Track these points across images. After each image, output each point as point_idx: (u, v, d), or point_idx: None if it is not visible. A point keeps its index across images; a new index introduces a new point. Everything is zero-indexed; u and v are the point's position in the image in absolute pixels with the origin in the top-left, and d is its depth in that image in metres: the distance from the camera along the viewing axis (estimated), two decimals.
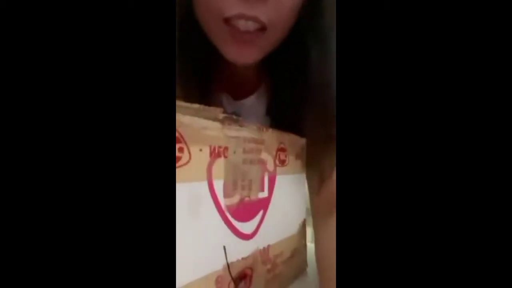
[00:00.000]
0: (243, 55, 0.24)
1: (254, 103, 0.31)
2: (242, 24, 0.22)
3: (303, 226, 0.37)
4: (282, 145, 0.30)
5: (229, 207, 0.23)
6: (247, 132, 0.25)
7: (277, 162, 0.30)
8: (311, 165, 0.31)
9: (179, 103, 0.17)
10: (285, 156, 0.31)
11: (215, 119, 0.21)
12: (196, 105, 0.19)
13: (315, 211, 0.33)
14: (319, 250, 0.29)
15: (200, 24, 0.24)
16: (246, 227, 0.25)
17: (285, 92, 0.29)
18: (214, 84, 0.29)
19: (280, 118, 0.30)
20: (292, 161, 0.33)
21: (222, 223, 0.23)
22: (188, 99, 0.19)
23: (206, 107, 0.20)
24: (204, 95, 0.28)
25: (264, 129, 0.27)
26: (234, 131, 0.23)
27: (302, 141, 0.35)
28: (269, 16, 0.22)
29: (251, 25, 0.22)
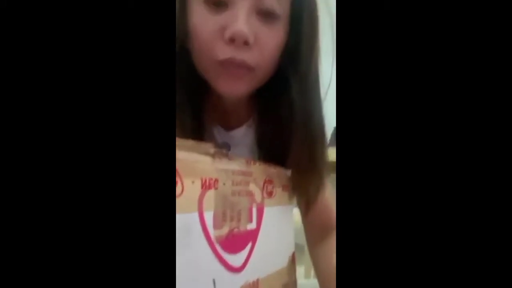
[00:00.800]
0: (233, 89, 0.28)
1: (244, 134, 0.35)
2: (232, 66, 0.26)
3: (293, 260, 0.37)
4: (269, 177, 0.32)
5: (218, 239, 0.24)
6: (235, 165, 0.26)
7: (265, 194, 0.31)
8: (297, 191, 0.33)
9: (176, 141, 0.19)
10: (272, 188, 0.33)
11: (206, 154, 0.23)
12: (190, 141, 0.21)
13: (306, 230, 0.38)
14: (317, 267, 0.33)
15: (194, 62, 0.29)
16: (235, 260, 0.26)
17: (270, 126, 0.33)
18: (206, 116, 0.33)
19: (267, 149, 0.33)
20: (279, 193, 0.34)
21: (212, 255, 0.23)
22: (181, 129, 0.22)
23: (199, 143, 0.22)
24: (197, 126, 0.31)
25: (252, 162, 0.29)
26: (223, 164, 0.25)
27: (288, 173, 0.37)
28: (255, 59, 0.27)
29: (240, 66, 0.26)
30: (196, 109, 0.30)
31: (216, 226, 0.24)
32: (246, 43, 0.25)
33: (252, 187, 0.29)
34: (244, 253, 0.27)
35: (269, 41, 0.26)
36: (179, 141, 0.20)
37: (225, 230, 0.25)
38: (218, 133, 0.34)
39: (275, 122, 0.32)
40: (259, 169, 0.30)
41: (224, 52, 0.25)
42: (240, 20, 0.24)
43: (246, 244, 0.28)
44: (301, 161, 0.31)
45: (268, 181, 0.32)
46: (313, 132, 0.31)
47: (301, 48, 0.28)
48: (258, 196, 0.30)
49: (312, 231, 0.36)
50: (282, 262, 0.34)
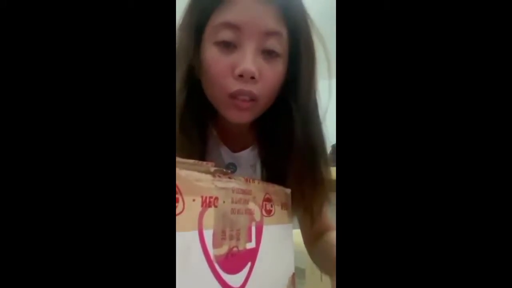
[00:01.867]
0: (241, 117, 0.33)
1: (249, 155, 0.39)
2: (241, 97, 0.31)
3: (293, 281, 0.36)
4: (268, 195, 0.32)
5: (217, 258, 0.24)
6: (235, 183, 0.27)
7: (264, 212, 0.31)
8: (301, 208, 0.37)
9: (177, 159, 0.19)
10: (271, 206, 0.33)
11: (207, 172, 0.23)
12: (191, 160, 0.21)
13: (310, 240, 0.43)
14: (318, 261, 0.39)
15: (205, 93, 0.33)
16: (234, 280, 0.25)
17: (272, 149, 0.37)
18: (214, 139, 0.38)
19: (271, 169, 0.38)
20: (278, 211, 0.34)
21: (211, 275, 0.23)
22: (191, 151, 0.28)
23: (200, 162, 0.22)
24: (205, 149, 0.36)
25: (251, 180, 0.30)
26: (223, 183, 0.25)
27: (287, 191, 0.37)
28: (259, 91, 0.31)
29: (247, 97, 0.31)
30: (203, 133, 0.35)
31: (215, 244, 0.24)
32: (252, 78, 0.30)
33: (252, 205, 0.29)
34: (243, 274, 0.27)
35: (271, 75, 0.31)
36: (180, 160, 0.20)
37: (224, 249, 0.25)
38: (226, 154, 0.38)
39: (277, 145, 0.36)
40: (258, 187, 0.31)
41: (234, 85, 0.30)
42: (248, 59, 0.29)
43: (246, 264, 0.28)
44: (305, 179, 0.35)
45: (267, 199, 0.32)
46: (315, 153, 0.34)
47: (300, 80, 0.33)
48: (257, 214, 0.30)
49: (311, 237, 0.42)
50: (281, 283, 0.34)
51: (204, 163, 0.23)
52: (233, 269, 0.26)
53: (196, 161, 0.22)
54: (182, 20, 0.32)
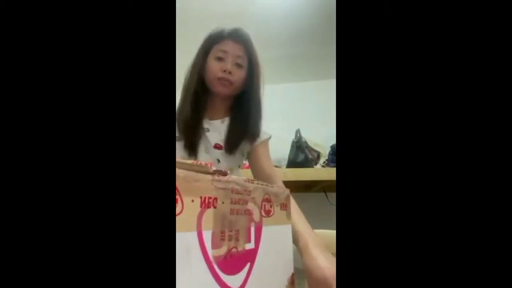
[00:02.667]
0: (224, 91, 0.68)
1: (219, 125, 0.71)
2: (223, 80, 0.67)
3: (292, 281, 0.36)
4: (267, 196, 0.32)
5: (216, 259, 0.23)
6: (234, 183, 0.27)
7: (263, 212, 0.31)
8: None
9: (177, 160, 0.19)
10: (270, 207, 0.33)
11: (206, 173, 0.23)
12: (190, 161, 0.21)
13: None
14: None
15: (205, 81, 0.69)
16: (233, 281, 0.25)
17: (235, 124, 0.70)
18: (203, 112, 0.71)
19: (231, 133, 0.70)
20: (277, 212, 0.34)
21: (210, 276, 0.23)
22: (187, 120, 0.67)
23: (199, 162, 0.22)
24: (197, 118, 0.68)
25: (250, 181, 0.30)
26: (222, 183, 0.25)
27: (287, 192, 0.37)
28: (232, 79, 0.67)
29: (227, 81, 0.67)
30: (200, 104, 0.69)
31: (214, 245, 0.23)
32: (230, 72, 0.67)
33: (251, 206, 0.29)
34: (242, 274, 0.27)
35: (238, 74, 0.68)
36: (180, 161, 0.20)
37: (223, 250, 0.25)
38: (206, 122, 0.70)
39: (238, 122, 0.70)
40: (257, 188, 0.31)
41: (221, 74, 0.67)
42: (228, 64, 0.67)
43: (245, 265, 0.28)
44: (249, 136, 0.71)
45: (266, 200, 0.32)
46: (255, 121, 0.71)
47: (253, 81, 0.69)
48: (256, 215, 0.30)
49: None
50: (281, 283, 0.34)
51: (203, 163, 0.23)
52: (232, 270, 0.25)
53: (195, 162, 0.22)
54: (198, 50, 0.70)
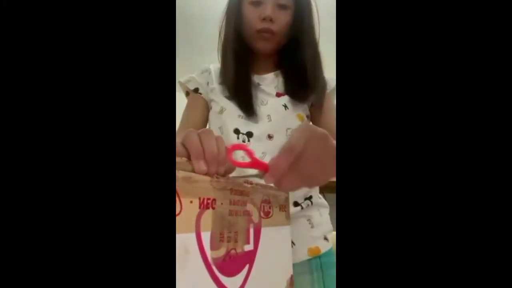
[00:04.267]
0: (265, 46, 0.55)
1: (272, 78, 0.58)
2: (264, 33, 0.53)
3: (291, 283, 0.36)
4: (266, 197, 0.32)
5: (215, 260, 0.23)
6: (233, 184, 0.27)
7: (262, 213, 0.31)
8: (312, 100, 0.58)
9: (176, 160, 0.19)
10: (269, 208, 0.33)
11: (205, 174, 0.23)
12: (188, 161, 0.21)
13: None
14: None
15: (243, 36, 0.55)
16: (232, 282, 0.25)
17: (291, 76, 0.57)
18: (249, 68, 0.57)
19: (289, 86, 0.56)
20: (276, 213, 0.34)
21: (209, 277, 0.22)
22: (235, 75, 0.54)
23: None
24: (244, 74, 0.55)
25: (249, 182, 0.29)
26: (221, 184, 0.25)
27: (285, 194, 0.37)
28: (275, 28, 0.53)
29: (267, 33, 0.53)
30: (244, 63, 0.56)
31: (213, 247, 0.23)
32: (271, 20, 0.52)
33: (250, 207, 0.29)
34: (241, 276, 0.27)
35: (283, 18, 0.53)
36: (179, 161, 0.20)
37: (222, 251, 0.24)
38: (256, 78, 0.57)
39: (295, 74, 0.56)
40: (256, 189, 0.31)
41: (260, 25, 0.53)
42: (268, 9, 0.52)
43: (243, 267, 0.27)
44: (311, 86, 0.56)
45: (265, 201, 0.32)
46: (317, 74, 0.56)
47: (303, 23, 0.55)
48: (255, 216, 0.30)
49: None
50: (280, 285, 0.33)
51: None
52: (231, 272, 0.25)
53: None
54: None
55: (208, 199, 0.23)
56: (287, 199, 0.37)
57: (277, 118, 0.52)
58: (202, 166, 0.22)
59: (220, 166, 0.24)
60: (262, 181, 0.29)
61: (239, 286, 0.26)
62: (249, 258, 0.28)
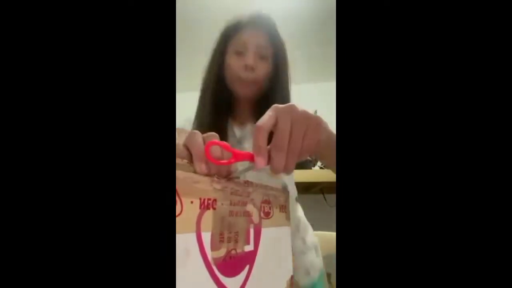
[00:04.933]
0: (246, 92, 0.57)
1: (251, 128, 0.60)
2: (246, 80, 0.56)
3: (291, 284, 0.36)
4: (266, 198, 0.32)
5: (216, 261, 0.23)
6: (233, 185, 0.27)
7: (262, 214, 0.31)
8: None
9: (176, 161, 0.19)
10: (270, 208, 0.33)
11: (206, 174, 0.23)
12: (190, 164, 0.21)
13: None
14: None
15: (226, 81, 0.58)
16: (232, 283, 0.25)
17: None
18: (229, 117, 0.61)
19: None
20: (277, 214, 0.34)
21: (209, 278, 0.23)
22: (214, 123, 0.55)
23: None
24: (223, 124, 0.58)
25: (249, 183, 0.29)
26: (221, 184, 0.25)
27: (286, 194, 0.37)
28: (256, 77, 0.56)
29: (250, 80, 0.56)
30: (223, 110, 0.59)
31: (213, 247, 0.23)
32: (252, 69, 0.56)
33: (250, 207, 0.29)
34: (241, 276, 0.27)
35: (262, 68, 0.57)
36: (179, 162, 0.20)
37: (222, 252, 0.24)
38: (236, 130, 0.60)
39: None
40: (256, 190, 0.31)
41: (242, 73, 0.56)
42: (250, 59, 0.56)
43: (244, 267, 0.27)
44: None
45: (265, 201, 0.32)
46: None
47: (279, 74, 0.59)
48: (255, 216, 0.30)
49: None
50: (280, 285, 0.33)
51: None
52: (231, 272, 0.25)
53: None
54: (215, 44, 0.59)
55: (209, 199, 0.23)
56: (287, 199, 0.37)
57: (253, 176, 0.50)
58: (204, 167, 0.22)
59: (222, 168, 0.24)
60: (261, 181, 0.29)
61: (239, 286, 0.26)
62: (249, 258, 0.28)
